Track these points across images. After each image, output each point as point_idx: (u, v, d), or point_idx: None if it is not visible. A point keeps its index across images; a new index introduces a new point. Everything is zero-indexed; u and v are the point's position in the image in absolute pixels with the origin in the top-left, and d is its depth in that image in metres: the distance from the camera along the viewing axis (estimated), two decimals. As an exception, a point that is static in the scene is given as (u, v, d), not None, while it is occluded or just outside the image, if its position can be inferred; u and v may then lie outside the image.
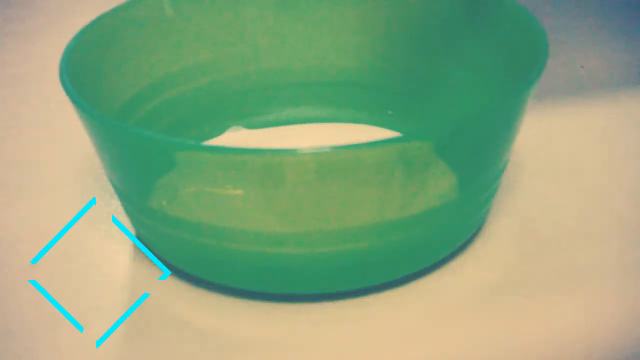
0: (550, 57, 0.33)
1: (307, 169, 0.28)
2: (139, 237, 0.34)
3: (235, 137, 0.39)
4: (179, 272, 0.33)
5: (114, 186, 0.33)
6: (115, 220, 0.35)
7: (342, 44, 0.39)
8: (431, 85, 0.38)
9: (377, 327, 0.31)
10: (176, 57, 0.38)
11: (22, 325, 0.31)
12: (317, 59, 0.39)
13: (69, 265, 0.34)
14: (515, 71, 0.33)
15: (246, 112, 0.39)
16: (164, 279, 0.33)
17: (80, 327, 0.31)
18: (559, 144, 0.39)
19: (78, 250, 0.34)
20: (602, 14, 0.49)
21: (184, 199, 0.30)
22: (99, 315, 0.32)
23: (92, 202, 0.37)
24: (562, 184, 0.36)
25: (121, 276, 0.33)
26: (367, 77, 0.39)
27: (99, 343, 0.31)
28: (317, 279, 0.31)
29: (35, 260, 0.34)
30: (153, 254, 0.33)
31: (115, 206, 0.36)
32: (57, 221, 0.36)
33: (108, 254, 0.34)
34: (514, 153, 0.36)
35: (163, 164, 0.30)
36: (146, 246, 0.34)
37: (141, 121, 0.36)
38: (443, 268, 0.33)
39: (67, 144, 0.40)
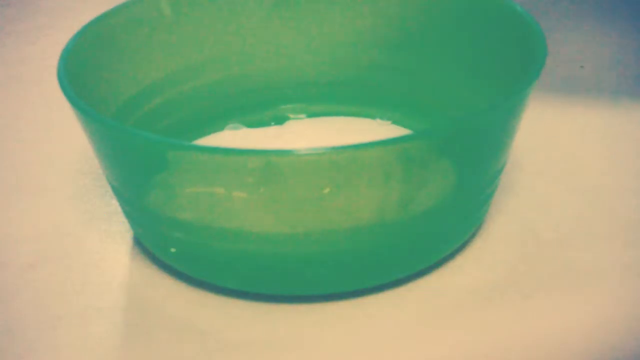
0: (550, 57, 0.33)
1: (306, 169, 0.28)
2: (138, 237, 0.34)
3: (233, 137, 0.39)
4: (178, 273, 0.33)
5: (112, 187, 0.33)
6: (114, 221, 0.35)
7: (341, 43, 0.39)
8: (430, 86, 0.38)
9: (376, 328, 0.31)
10: (175, 57, 0.38)
11: (22, 325, 0.31)
12: (315, 59, 0.39)
13: (68, 265, 0.34)
14: (514, 71, 0.33)
15: (245, 112, 0.39)
16: (163, 280, 0.33)
17: (80, 327, 0.31)
18: (558, 144, 0.39)
19: (77, 250, 0.34)
20: (602, 14, 0.49)
21: (182, 199, 0.30)
22: (99, 315, 0.32)
23: (92, 202, 0.37)
24: (562, 184, 0.36)
25: (121, 276, 0.33)
26: (366, 77, 0.39)
27: (99, 343, 0.31)
28: (317, 279, 0.31)
29: (34, 261, 0.34)
30: (152, 254, 0.33)
31: (115, 206, 0.36)
32: (57, 221, 0.36)
33: (107, 254, 0.34)
34: (513, 153, 0.36)
35: (160, 164, 0.30)
36: (145, 247, 0.34)
37: (140, 122, 0.36)
38: (442, 268, 0.33)
39: (66, 144, 0.40)
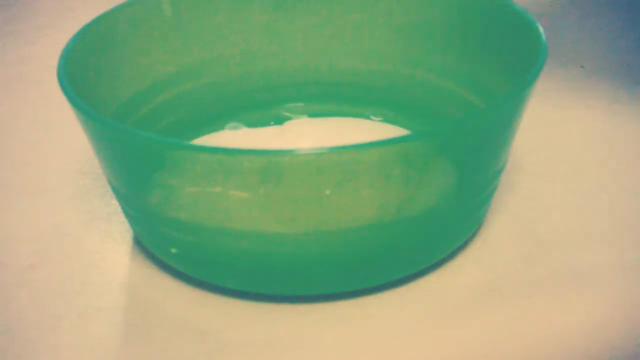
0: (550, 57, 0.33)
1: (306, 169, 0.28)
2: (138, 237, 0.34)
3: (233, 137, 0.39)
4: (178, 273, 0.33)
5: (112, 187, 0.33)
6: (114, 221, 0.35)
7: (341, 43, 0.39)
8: (429, 86, 0.38)
9: (376, 328, 0.31)
10: (175, 57, 0.38)
11: (22, 325, 0.31)
12: (315, 59, 0.39)
13: (68, 265, 0.34)
14: (514, 71, 0.33)
15: (245, 112, 0.39)
16: (163, 280, 0.33)
17: (80, 327, 0.31)
18: (558, 144, 0.39)
19: (77, 250, 0.34)
20: (602, 14, 0.49)
21: (182, 199, 0.30)
22: (99, 315, 0.32)
23: (92, 202, 0.37)
24: (562, 184, 0.36)
25: (121, 276, 0.33)
26: (366, 77, 0.39)
27: (99, 343, 0.31)
28: (317, 279, 0.31)
29: (34, 261, 0.34)
30: (152, 254, 0.33)
31: (115, 206, 0.36)
32: (57, 221, 0.36)
33: (107, 254, 0.34)
34: (513, 153, 0.36)
35: (160, 164, 0.30)
36: (145, 247, 0.34)
37: (140, 121, 0.36)
38: (442, 268, 0.33)
39: (66, 145, 0.40)
